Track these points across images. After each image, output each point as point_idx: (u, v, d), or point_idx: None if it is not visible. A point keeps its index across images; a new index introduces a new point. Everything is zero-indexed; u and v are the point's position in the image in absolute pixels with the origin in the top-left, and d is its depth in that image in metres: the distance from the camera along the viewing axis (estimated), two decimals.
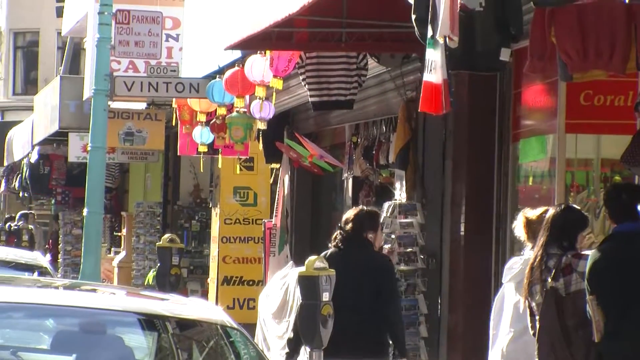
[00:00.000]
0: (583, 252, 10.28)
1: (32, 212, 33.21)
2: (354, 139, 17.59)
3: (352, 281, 12.39)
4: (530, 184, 13.49)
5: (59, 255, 32.18)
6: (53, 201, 37.87)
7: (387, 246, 13.93)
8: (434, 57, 9.19)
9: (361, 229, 12.98)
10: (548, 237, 10.70)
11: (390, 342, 12.88)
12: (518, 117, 13.32)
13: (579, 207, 11.36)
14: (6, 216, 37.93)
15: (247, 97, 17.21)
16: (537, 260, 10.50)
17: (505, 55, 9.79)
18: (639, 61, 10.23)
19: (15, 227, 32.27)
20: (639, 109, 10.40)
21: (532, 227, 10.97)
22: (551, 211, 11.14)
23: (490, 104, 13.25)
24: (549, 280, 10.31)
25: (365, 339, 12.47)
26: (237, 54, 15.81)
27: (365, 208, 13.92)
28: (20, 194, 42.15)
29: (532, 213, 11.32)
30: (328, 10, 12.38)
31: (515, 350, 11.50)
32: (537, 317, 10.37)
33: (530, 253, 10.89)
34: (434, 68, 9.25)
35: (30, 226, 32.31)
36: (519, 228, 11.39)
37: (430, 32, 9.19)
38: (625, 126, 11.20)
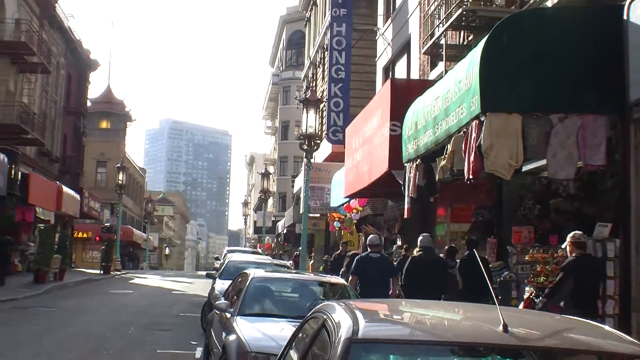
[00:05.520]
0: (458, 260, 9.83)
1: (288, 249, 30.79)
2: (384, 225, 17.27)
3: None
4: (440, 239, 12.86)
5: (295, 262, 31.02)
6: (291, 246, 37.55)
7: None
8: (406, 199, 9.07)
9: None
10: (446, 256, 10.37)
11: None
12: (435, 217, 12.79)
13: (455, 247, 10.94)
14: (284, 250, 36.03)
15: (351, 212, 17.18)
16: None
17: (432, 199, 9.63)
18: (473, 203, 10.04)
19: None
20: (473, 216, 10.17)
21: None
22: (446, 247, 10.81)
23: (425, 213, 12.73)
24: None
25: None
26: (347, 199, 15.80)
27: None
28: (280, 244, 41.62)
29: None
30: (377, 185, 12.12)
31: None
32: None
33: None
34: (405, 203, 9.13)
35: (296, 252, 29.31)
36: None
37: (406, 192, 9.11)
38: (468, 220, 10.75)
